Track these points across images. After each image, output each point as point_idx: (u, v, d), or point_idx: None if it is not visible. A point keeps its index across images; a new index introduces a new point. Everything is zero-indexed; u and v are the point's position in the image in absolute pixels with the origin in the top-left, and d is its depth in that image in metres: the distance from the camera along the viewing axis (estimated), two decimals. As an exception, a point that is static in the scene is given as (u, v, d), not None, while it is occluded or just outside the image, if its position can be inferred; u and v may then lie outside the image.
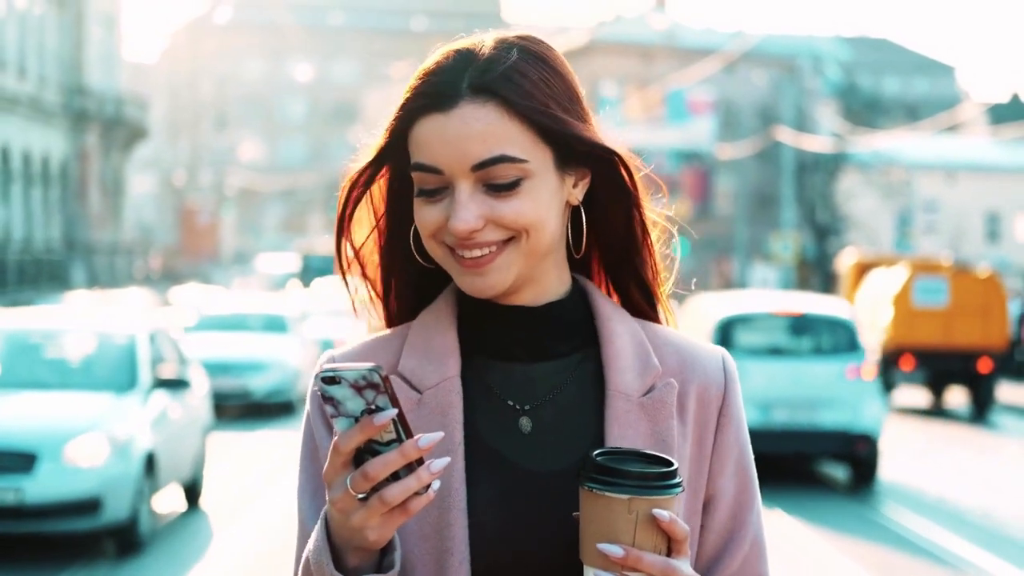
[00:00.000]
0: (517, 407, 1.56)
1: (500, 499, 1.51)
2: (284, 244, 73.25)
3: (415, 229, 1.58)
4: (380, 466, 1.34)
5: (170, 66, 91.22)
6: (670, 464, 1.43)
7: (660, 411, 1.56)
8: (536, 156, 1.50)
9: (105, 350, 10.19)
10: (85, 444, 8.74)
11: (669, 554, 1.43)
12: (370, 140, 1.60)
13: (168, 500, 10.93)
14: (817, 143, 40.64)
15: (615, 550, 1.39)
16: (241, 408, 17.75)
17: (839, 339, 12.49)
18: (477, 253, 1.50)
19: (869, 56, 79.45)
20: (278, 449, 14.70)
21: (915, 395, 21.51)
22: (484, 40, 1.54)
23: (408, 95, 1.53)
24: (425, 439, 1.34)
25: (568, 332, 1.58)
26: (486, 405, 1.54)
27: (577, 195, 1.56)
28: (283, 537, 9.68)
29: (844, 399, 11.99)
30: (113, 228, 44.64)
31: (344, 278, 1.66)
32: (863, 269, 21.77)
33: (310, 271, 36.86)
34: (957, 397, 21.19)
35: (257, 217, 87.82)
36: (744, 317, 12.67)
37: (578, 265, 1.62)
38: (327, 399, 1.35)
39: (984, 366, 18.66)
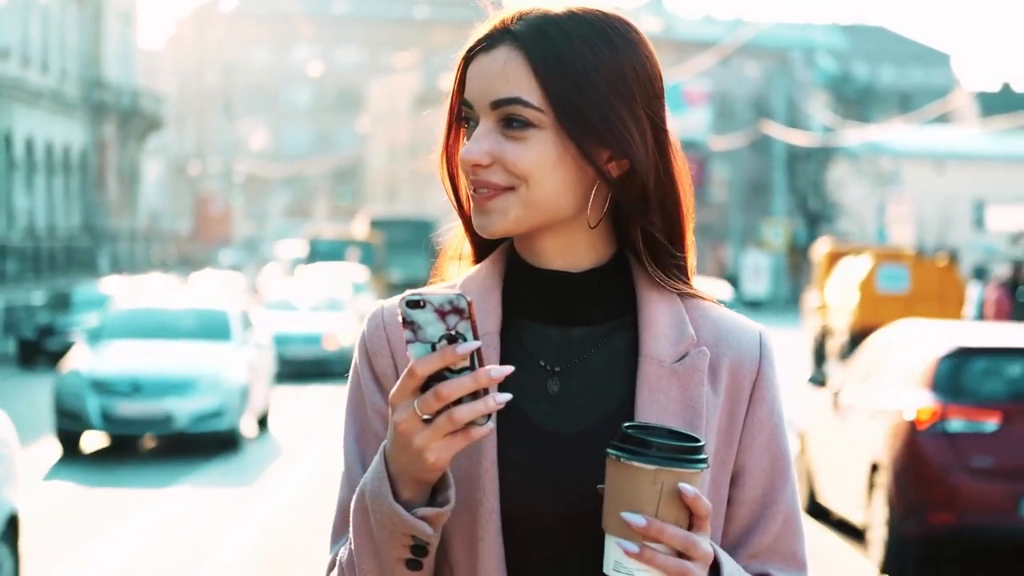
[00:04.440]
0: (548, 368, 1.57)
1: (522, 457, 1.53)
2: (290, 230, 74.53)
3: None
4: (453, 387, 1.37)
5: (176, 54, 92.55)
6: (697, 440, 1.44)
7: (691, 377, 1.57)
8: (552, 112, 1.52)
9: None
10: None
11: (690, 529, 1.43)
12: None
13: None
14: (804, 137, 42.14)
15: (637, 519, 1.40)
16: (161, 441, 13.77)
17: None
18: (484, 191, 1.53)
19: (865, 44, 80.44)
20: (208, 512, 10.28)
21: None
22: (560, 3, 1.57)
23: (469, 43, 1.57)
24: (496, 370, 1.38)
25: (606, 299, 1.60)
26: (519, 364, 1.54)
27: (613, 169, 1.55)
28: None
29: None
30: (129, 216, 46.41)
31: (470, 236, 1.66)
32: (834, 258, 23.53)
33: (317, 255, 37.75)
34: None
35: (263, 203, 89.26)
36: None
37: (628, 241, 1.62)
38: (407, 323, 1.39)
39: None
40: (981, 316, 25.47)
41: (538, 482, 1.53)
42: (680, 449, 1.42)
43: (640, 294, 1.61)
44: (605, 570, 1.44)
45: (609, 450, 1.43)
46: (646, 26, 65.21)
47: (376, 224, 38.31)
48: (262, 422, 14.91)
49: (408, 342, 1.40)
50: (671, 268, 1.62)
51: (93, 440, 13.67)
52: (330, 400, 17.93)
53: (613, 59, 1.53)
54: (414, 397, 1.40)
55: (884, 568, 8.28)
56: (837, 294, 21.76)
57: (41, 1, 38.31)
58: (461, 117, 1.60)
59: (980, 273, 31.44)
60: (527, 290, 1.60)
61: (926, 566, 8.26)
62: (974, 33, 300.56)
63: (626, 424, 1.45)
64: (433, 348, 1.39)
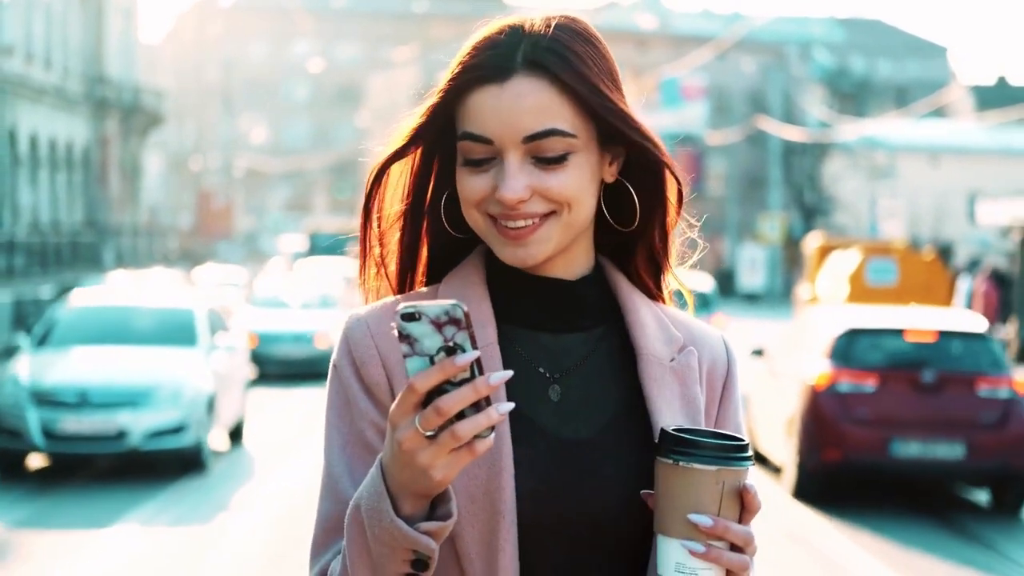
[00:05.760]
0: (548, 375, 1.58)
1: (534, 464, 1.53)
2: (289, 224, 74.90)
3: (445, 199, 1.61)
4: (454, 401, 1.34)
5: (175, 49, 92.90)
6: (742, 439, 1.48)
7: (688, 375, 1.61)
8: (582, 132, 1.54)
9: None
10: None
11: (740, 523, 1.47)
12: (403, 120, 1.62)
13: None
14: (798, 132, 42.52)
15: (705, 520, 1.42)
16: (113, 462, 11.88)
17: None
18: (520, 223, 1.53)
19: (862, 38, 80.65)
20: (166, 550, 8.79)
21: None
22: (534, 18, 1.56)
23: (459, 68, 1.55)
24: (495, 377, 1.35)
25: (594, 306, 1.62)
26: (518, 372, 1.54)
27: (612, 173, 1.60)
28: None
29: None
30: (131, 211, 46.85)
31: (364, 247, 1.65)
32: (825, 251, 24.00)
33: (317, 249, 37.68)
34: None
35: (262, 198, 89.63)
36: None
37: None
38: (403, 337, 1.35)
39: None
40: (970, 308, 25.96)
41: (552, 488, 1.53)
42: (733, 448, 1.46)
43: (623, 299, 1.64)
44: (661, 572, 1.46)
45: (666, 456, 1.46)
46: (643, 23, 65.18)
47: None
48: (235, 435, 13.37)
49: (405, 356, 1.36)
50: (643, 270, 1.67)
51: (32, 461, 11.87)
52: (320, 403, 16.74)
53: (604, 60, 1.58)
54: (415, 413, 1.37)
55: (794, 493, 10.86)
56: (828, 287, 22.21)
57: (44, -2, 38.75)
58: (439, 147, 1.60)
59: (973, 266, 31.88)
60: (517, 298, 1.61)
61: (824, 491, 10.83)
62: (971, 26, 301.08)
63: (672, 428, 1.48)
64: (431, 361, 1.36)
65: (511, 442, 1.53)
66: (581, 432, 1.57)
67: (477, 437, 1.37)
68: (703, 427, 1.58)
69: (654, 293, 1.68)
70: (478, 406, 1.36)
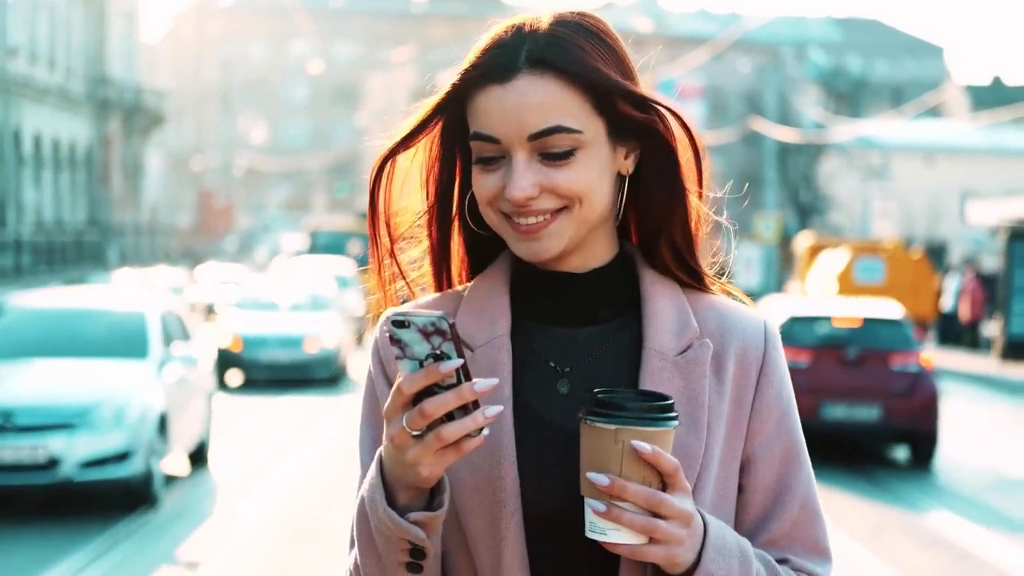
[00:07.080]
0: (558, 369, 1.59)
1: (537, 455, 1.54)
2: (289, 224, 75.18)
3: (470, 197, 1.62)
4: (437, 404, 1.39)
5: (174, 49, 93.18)
6: (665, 399, 1.45)
7: (694, 370, 1.57)
8: (590, 127, 1.53)
9: None
10: None
11: (664, 488, 1.43)
12: (400, 120, 1.64)
13: None
14: (792, 133, 42.94)
15: (600, 479, 1.41)
16: (40, 495, 9.66)
17: None
18: (532, 220, 1.54)
19: (859, 38, 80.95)
20: None
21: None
22: (541, 16, 1.56)
23: (466, 68, 1.56)
24: (480, 384, 1.39)
25: (612, 298, 1.61)
26: (530, 366, 1.58)
27: (628, 166, 1.59)
28: None
29: None
30: (133, 210, 47.30)
31: (378, 254, 1.67)
32: (815, 250, 24.50)
33: (317, 248, 37.87)
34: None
35: (262, 197, 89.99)
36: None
37: (622, 233, 1.65)
38: (395, 341, 1.41)
39: (915, 335, 21.47)
40: (957, 305, 26.43)
41: (554, 478, 1.54)
42: (642, 408, 1.44)
43: (644, 289, 1.62)
44: (586, 532, 1.46)
45: (579, 415, 1.46)
46: (639, 24, 65.24)
47: (365, 216, 38.51)
48: (197, 457, 11.71)
49: (397, 358, 1.42)
50: (669, 259, 1.64)
51: None
52: (308, 412, 15.23)
53: (613, 55, 1.57)
54: (403, 412, 1.43)
55: None
56: (818, 285, 22.69)
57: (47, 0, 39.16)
58: (460, 148, 1.61)
59: (964, 265, 32.35)
60: (535, 293, 1.62)
61: None
62: (967, 27, 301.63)
63: (596, 389, 1.48)
64: (421, 365, 1.41)
65: (518, 434, 1.56)
66: None
67: (467, 436, 1.42)
68: (671, 405, 1.49)
69: (686, 282, 1.66)
70: (466, 409, 1.41)
